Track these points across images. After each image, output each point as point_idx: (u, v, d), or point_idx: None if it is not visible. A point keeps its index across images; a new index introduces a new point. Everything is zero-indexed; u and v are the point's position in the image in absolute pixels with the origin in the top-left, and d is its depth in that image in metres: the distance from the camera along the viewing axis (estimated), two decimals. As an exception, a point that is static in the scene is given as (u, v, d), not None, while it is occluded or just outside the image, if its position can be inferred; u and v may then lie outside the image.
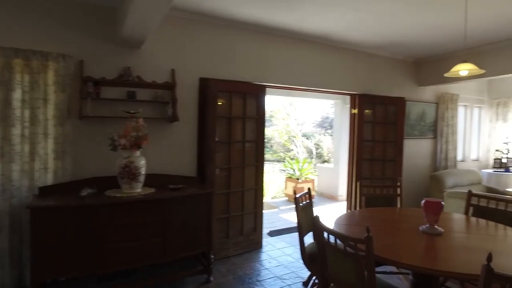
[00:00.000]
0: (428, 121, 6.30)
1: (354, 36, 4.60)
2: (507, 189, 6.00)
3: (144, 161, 3.17)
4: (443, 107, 6.38)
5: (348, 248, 1.94)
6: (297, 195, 2.96)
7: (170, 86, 3.62)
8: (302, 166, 7.92)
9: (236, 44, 4.17)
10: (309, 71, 4.76)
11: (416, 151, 6.10)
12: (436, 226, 2.50)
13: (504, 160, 6.67)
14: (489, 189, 6.05)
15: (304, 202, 3.10)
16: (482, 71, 2.98)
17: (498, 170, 6.62)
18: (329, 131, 14.25)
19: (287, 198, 7.67)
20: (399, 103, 5.40)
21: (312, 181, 7.73)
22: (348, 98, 7.24)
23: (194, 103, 3.91)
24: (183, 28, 3.81)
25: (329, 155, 12.08)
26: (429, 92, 6.30)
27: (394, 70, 5.78)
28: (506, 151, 6.67)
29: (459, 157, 6.96)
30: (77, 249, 2.70)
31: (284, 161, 10.92)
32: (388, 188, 3.77)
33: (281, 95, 6.55)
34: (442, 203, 2.50)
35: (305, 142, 12.65)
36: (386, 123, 5.39)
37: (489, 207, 3.14)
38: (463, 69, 3.03)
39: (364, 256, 1.88)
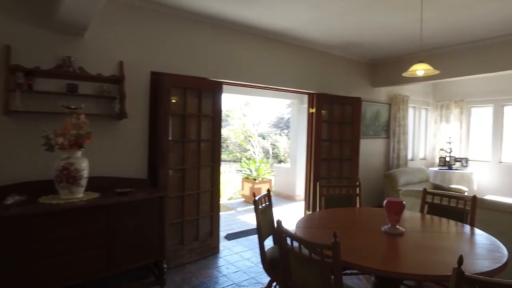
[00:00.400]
0: (382, 121, 6.47)
1: (313, 34, 4.55)
2: (451, 186, 6.35)
3: (86, 163, 2.81)
4: (395, 108, 6.60)
5: (313, 255, 1.81)
6: (256, 198, 2.79)
7: (117, 79, 3.28)
8: (259, 167, 7.81)
9: (192, 38, 3.92)
10: (268, 69, 4.63)
11: (371, 150, 6.24)
12: (397, 226, 2.47)
13: (447, 159, 7.05)
14: (436, 186, 6.36)
15: (263, 205, 2.94)
16: (437, 72, 3.03)
17: (443, 168, 6.99)
18: (285, 131, 14.35)
19: (244, 199, 7.52)
20: (356, 103, 5.47)
21: (269, 181, 7.65)
22: (304, 97, 7.28)
23: (145, 99, 3.60)
24: (134, 17, 3.48)
25: (286, 155, 12.13)
26: (383, 93, 6.48)
27: (350, 71, 5.86)
28: (449, 150, 7.07)
29: (409, 156, 7.26)
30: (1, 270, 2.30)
31: (240, 162, 10.77)
32: (348, 188, 3.74)
33: (238, 93, 6.37)
34: (404, 202, 2.48)
35: (261, 142, 12.59)
36: (343, 122, 5.43)
37: (442, 204, 3.22)
38: (420, 69, 3.06)
39: (330, 262, 1.76)
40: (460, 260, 1.46)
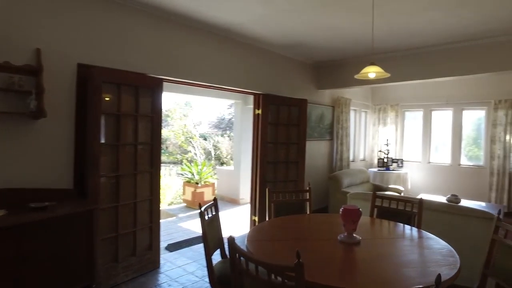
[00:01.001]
0: (326, 123, 6.53)
1: (261, 31, 4.35)
2: (390, 185, 6.62)
3: (-11, 172, 2.27)
4: (339, 110, 6.71)
5: (273, 277, 1.58)
6: (202, 208, 2.48)
7: (33, 70, 2.74)
8: (201, 170, 7.44)
9: (129, 28, 3.47)
10: (213, 66, 4.33)
11: (315, 152, 6.25)
12: (354, 234, 2.35)
13: (385, 160, 7.38)
14: (376, 186, 6.59)
15: (210, 215, 2.65)
16: (388, 75, 3.01)
17: (381, 169, 7.30)
18: (227, 132, 14.09)
19: (186, 204, 7.10)
20: (302, 105, 5.41)
21: (213, 185, 7.33)
22: (249, 98, 7.11)
23: (70, 95, 3.08)
24: (56, 0, 2.96)
25: (228, 157, 11.86)
26: (327, 95, 6.54)
27: (296, 72, 5.79)
28: (386, 152, 7.40)
29: (351, 157, 7.46)
30: None
31: (181, 164, 10.27)
32: (297, 193, 3.60)
33: (179, 92, 5.95)
34: (360, 209, 2.37)
35: (203, 144, 12.18)
36: (289, 124, 5.33)
37: (391, 207, 3.22)
38: (372, 71, 3.02)
39: (293, 285, 1.54)
40: (438, 279, 1.33)
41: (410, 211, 3.10)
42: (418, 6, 3.45)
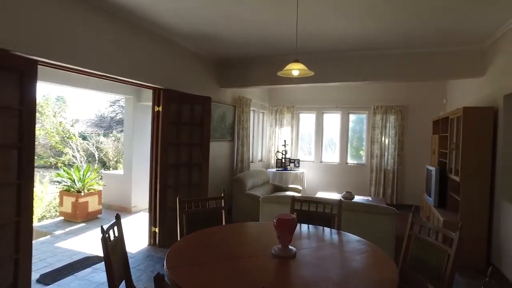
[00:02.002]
0: (227, 123, 6.27)
1: (163, 14, 3.78)
2: (289, 185, 6.78)
3: None
4: (240, 110, 6.54)
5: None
6: (105, 232, 1.89)
7: None
8: (84, 175, 6.31)
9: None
10: (106, 52, 3.57)
11: (217, 154, 5.92)
12: (289, 246, 2.11)
13: (283, 160, 7.56)
14: (276, 187, 6.66)
15: (113, 238, 2.06)
16: (311, 73, 2.89)
17: (279, 169, 7.45)
18: (112, 131, 12.64)
19: (64, 218, 5.90)
20: (206, 103, 5.01)
21: (99, 193, 6.29)
22: (143, 94, 6.37)
23: None
24: None
25: (115, 159, 10.58)
26: (228, 94, 6.29)
27: (199, 68, 5.37)
28: (284, 153, 7.60)
29: (250, 158, 7.39)
30: None
31: (55, 168, 8.65)
32: (210, 200, 3.21)
33: (55, 82, 4.83)
34: (295, 217, 2.14)
35: (83, 145, 10.59)
36: (192, 124, 4.87)
37: (311, 210, 3.13)
38: (295, 68, 2.84)
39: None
40: None
41: (330, 213, 3.06)
42: (329, 9, 3.45)
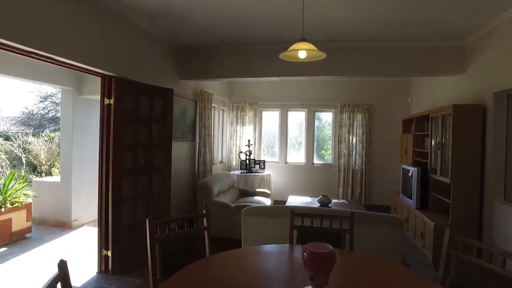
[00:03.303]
0: (188, 120, 5.47)
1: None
2: (257, 189, 6.17)
3: None
4: (202, 106, 5.77)
5: None
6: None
7: None
8: (6, 185, 5.06)
9: None
10: (36, 19, 2.64)
11: (178, 155, 5.10)
12: None
13: (247, 162, 6.91)
14: (243, 191, 6.01)
15: None
16: (323, 54, 2.29)
17: (244, 172, 6.80)
18: (44, 130, 10.99)
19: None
20: (167, 96, 4.20)
21: (28, 206, 5.08)
22: (84, 85, 5.31)
23: None
24: None
25: (49, 163, 9.09)
26: (190, 88, 5.50)
27: (158, 55, 4.54)
28: (248, 153, 6.96)
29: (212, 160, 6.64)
30: None
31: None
32: (189, 220, 2.46)
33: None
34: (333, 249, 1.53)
35: (6, 146, 8.96)
36: (152, 121, 4.03)
37: (313, 226, 2.55)
38: (302, 48, 2.22)
39: None
40: None
41: (339, 228, 2.51)
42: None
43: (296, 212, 2.56)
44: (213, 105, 6.56)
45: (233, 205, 4.79)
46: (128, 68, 3.80)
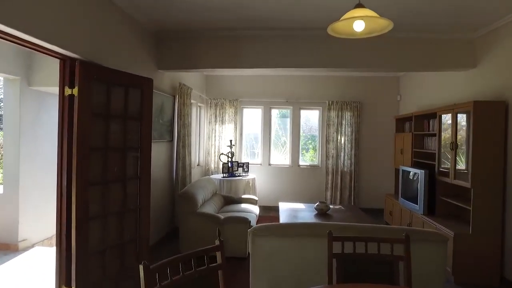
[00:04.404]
0: (166, 118, 4.68)
1: None
2: (242, 196, 5.50)
3: None
4: (181, 101, 4.99)
5: None
6: None
7: None
8: None
9: None
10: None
11: (155, 160, 4.28)
12: None
13: (230, 165, 6.20)
14: (227, 199, 5.32)
15: None
16: (389, 24, 1.68)
17: (225, 176, 6.08)
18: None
19: None
20: (146, 87, 3.40)
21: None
22: (37, 73, 4.32)
23: None
24: None
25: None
26: (167, 80, 4.71)
27: (133, 39, 3.74)
28: (230, 155, 6.25)
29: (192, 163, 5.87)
30: None
31: None
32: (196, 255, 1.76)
33: None
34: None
35: None
36: (127, 118, 3.22)
37: (357, 252, 1.95)
38: (360, 15, 1.60)
39: None
40: None
41: (390, 254, 1.92)
42: None
43: (333, 236, 1.94)
44: (191, 101, 5.79)
45: (222, 216, 4.09)
46: (97, 50, 2.98)
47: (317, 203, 4.72)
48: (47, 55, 2.62)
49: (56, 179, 2.82)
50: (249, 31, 4.11)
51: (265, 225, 2.57)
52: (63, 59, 2.70)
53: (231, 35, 4.18)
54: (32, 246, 4.52)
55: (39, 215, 4.53)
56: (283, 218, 4.37)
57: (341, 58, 4.22)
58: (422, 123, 5.12)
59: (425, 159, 4.82)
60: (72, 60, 2.72)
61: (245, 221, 4.05)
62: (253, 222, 4.34)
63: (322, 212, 4.63)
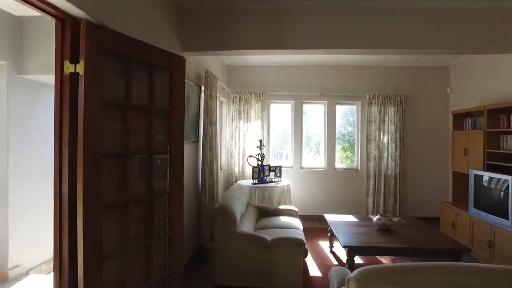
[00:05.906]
0: (191, 113, 3.78)
1: None
2: (279, 207, 4.58)
3: None
4: (207, 93, 4.07)
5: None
6: None
7: None
8: None
9: None
10: None
11: (180, 166, 3.37)
12: None
13: (261, 169, 5.26)
14: (261, 210, 4.41)
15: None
16: None
17: (256, 182, 5.13)
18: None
19: None
20: (177, 68, 2.49)
21: None
22: (30, 58, 3.39)
23: None
24: None
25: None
26: (192, 66, 3.79)
27: (156, 8, 2.81)
28: (260, 158, 5.32)
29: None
30: None
31: None
32: None
33: None
34: None
35: None
36: (152, 109, 2.30)
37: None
38: None
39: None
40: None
41: None
42: None
43: None
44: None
45: (268, 238, 3.18)
46: (110, 9, 2.07)
47: (378, 216, 3.81)
48: (37, 10, 1.69)
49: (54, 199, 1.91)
50: (299, 1, 3.20)
51: (375, 269, 1.65)
52: (61, 18, 1.78)
53: (276, 8, 3.28)
54: (26, 273, 3.61)
55: (34, 236, 3.63)
56: (341, 236, 3.46)
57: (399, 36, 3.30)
58: (498, 118, 4.23)
59: (503, 162, 3.95)
60: (76, 21, 1.80)
61: (299, 244, 3.15)
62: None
63: (385, 228, 3.73)
